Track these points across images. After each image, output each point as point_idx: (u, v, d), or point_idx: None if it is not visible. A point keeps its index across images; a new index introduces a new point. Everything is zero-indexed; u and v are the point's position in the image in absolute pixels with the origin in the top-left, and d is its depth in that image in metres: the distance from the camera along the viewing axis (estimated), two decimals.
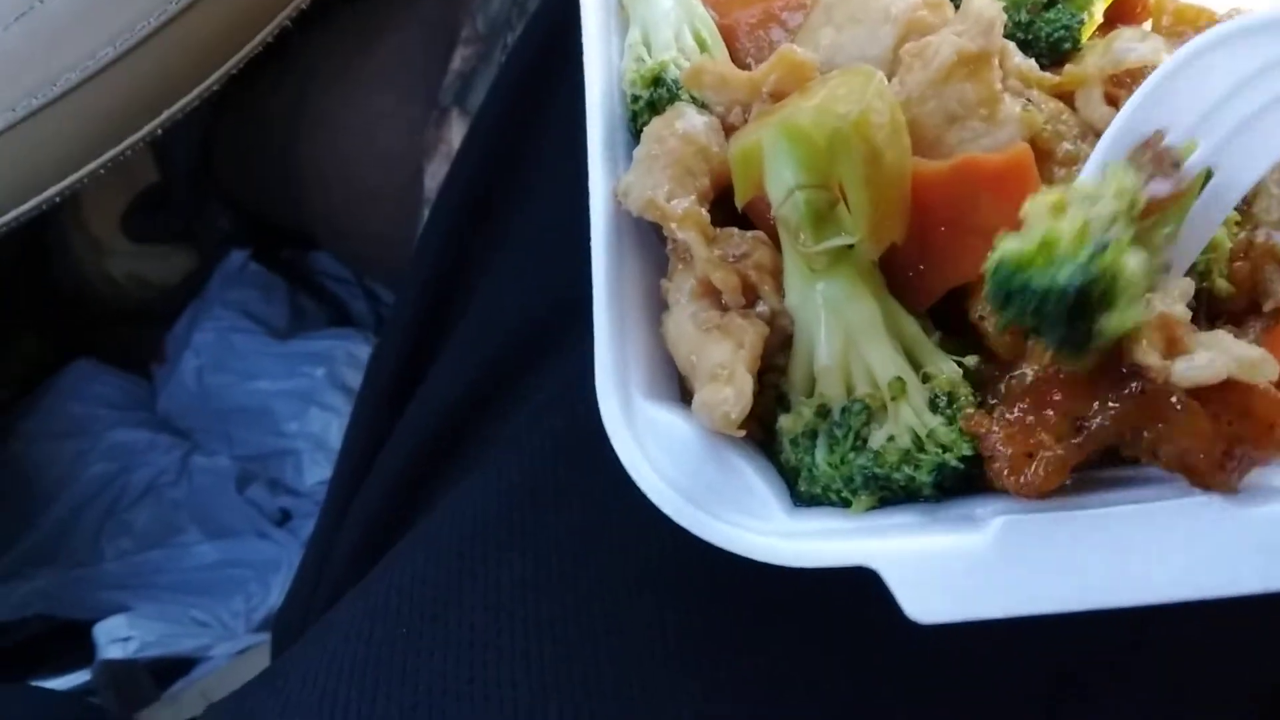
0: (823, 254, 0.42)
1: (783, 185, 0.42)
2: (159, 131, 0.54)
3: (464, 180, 0.68)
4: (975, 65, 0.44)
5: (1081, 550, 0.39)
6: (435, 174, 0.82)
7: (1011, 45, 0.47)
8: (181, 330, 1.34)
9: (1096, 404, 0.42)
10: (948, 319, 0.47)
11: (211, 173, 1.36)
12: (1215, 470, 0.41)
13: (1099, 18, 0.53)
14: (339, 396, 1.26)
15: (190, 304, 1.36)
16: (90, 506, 1.26)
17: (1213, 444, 0.41)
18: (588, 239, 0.47)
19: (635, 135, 0.49)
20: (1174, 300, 0.42)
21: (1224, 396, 0.41)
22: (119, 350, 1.39)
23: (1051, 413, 0.43)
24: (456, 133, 0.81)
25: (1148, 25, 0.53)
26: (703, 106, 0.47)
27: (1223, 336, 0.43)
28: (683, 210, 0.44)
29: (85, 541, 1.24)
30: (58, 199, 0.52)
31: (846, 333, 0.43)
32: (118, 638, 1.05)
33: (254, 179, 1.32)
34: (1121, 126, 0.42)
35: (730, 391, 0.41)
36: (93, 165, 0.51)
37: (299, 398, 1.26)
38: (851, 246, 0.42)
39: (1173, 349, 0.41)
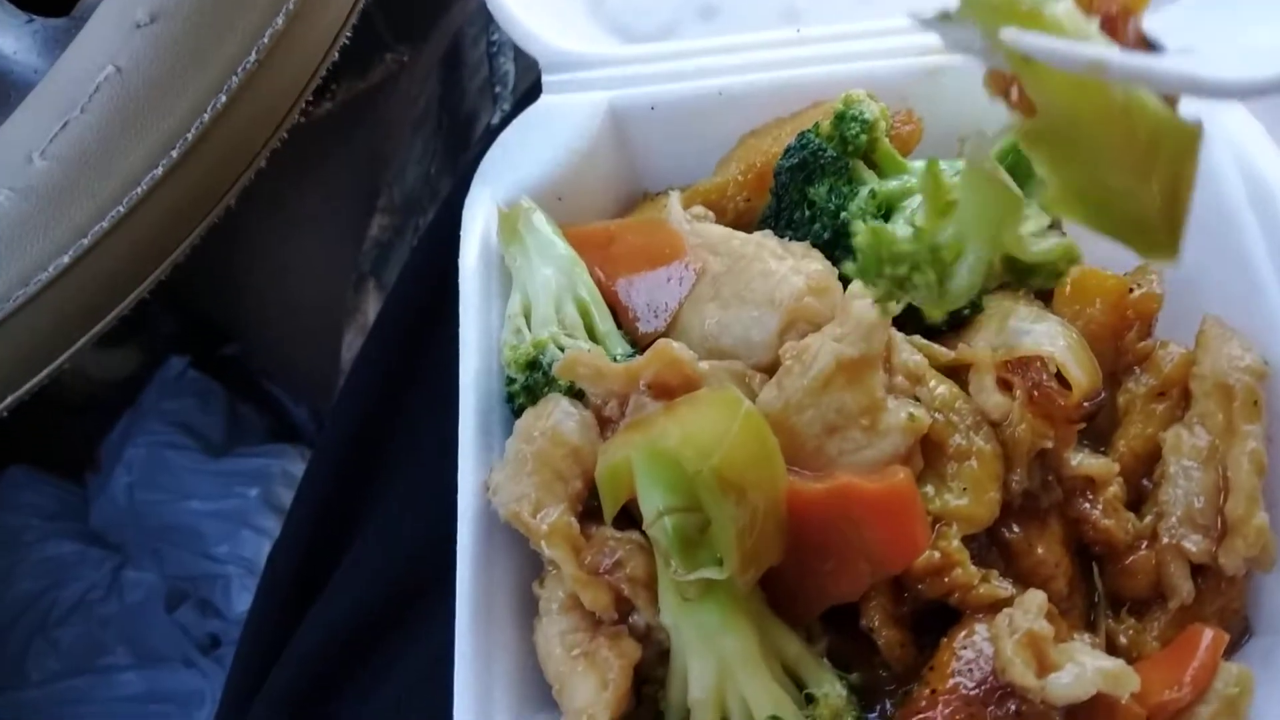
0: (695, 582, 0.40)
1: (651, 507, 0.40)
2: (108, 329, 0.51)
3: (367, 379, 0.66)
4: (855, 372, 0.42)
5: None
6: (351, 345, 0.80)
7: (899, 338, 0.45)
8: (115, 441, 1.31)
9: None
10: (840, 619, 0.45)
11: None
12: None
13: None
14: (272, 518, 1.22)
15: (126, 412, 1.33)
16: (15, 625, 1.22)
17: None
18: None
19: (514, 413, 0.46)
20: (1034, 615, 0.41)
21: (1092, 709, 0.40)
22: (57, 450, 1.36)
23: None
24: (372, 304, 0.78)
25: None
26: (579, 393, 0.45)
27: (1080, 648, 0.42)
28: (549, 526, 0.42)
29: (9, 662, 1.20)
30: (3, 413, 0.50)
31: (721, 664, 0.40)
32: None
33: (197, 290, 1.29)
34: None
35: None
36: (30, 384, 0.48)
37: (231, 519, 1.23)
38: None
39: (1042, 666, 0.40)
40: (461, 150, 0.74)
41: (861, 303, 0.42)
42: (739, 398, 0.39)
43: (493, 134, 0.56)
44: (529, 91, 0.66)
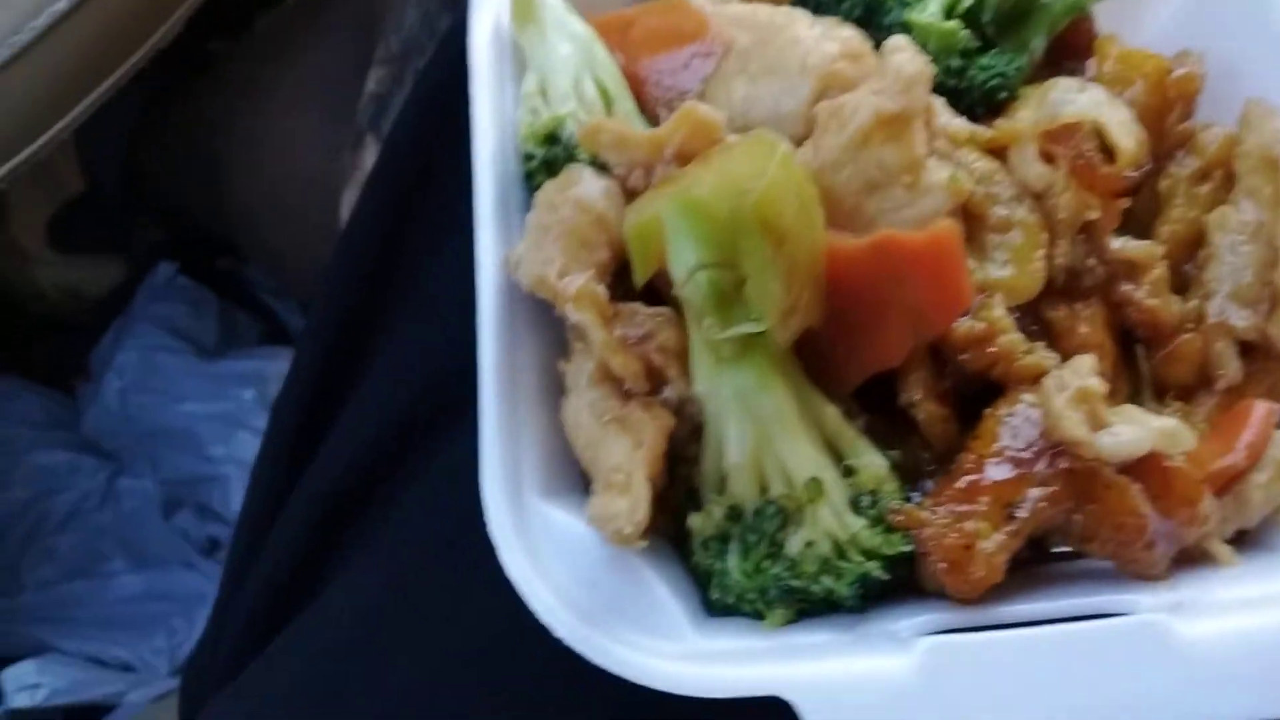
0: (730, 341, 0.38)
1: (684, 264, 0.38)
2: (73, 129, 0.49)
3: (366, 224, 0.63)
4: (895, 127, 0.40)
5: (1011, 678, 0.36)
6: (350, 202, 0.77)
7: (939, 102, 0.43)
8: (106, 348, 1.29)
9: (1028, 488, 0.39)
10: (877, 400, 0.43)
11: (140, 182, 1.31)
12: (1145, 554, 0.39)
13: (1040, 55, 0.49)
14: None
15: (115, 320, 1.30)
16: (9, 532, 1.20)
17: (1142, 523, 0.39)
18: None
19: (531, 193, 0.44)
20: (1086, 373, 0.39)
21: (1143, 475, 0.39)
22: (44, 364, 1.34)
23: (985, 500, 0.39)
24: (371, 159, 0.76)
25: (1092, 67, 0.49)
26: (602, 167, 0.43)
27: (1133, 410, 0.41)
28: (576, 289, 0.40)
29: (4, 570, 1.19)
30: None
31: (758, 427, 0.39)
32: (25, 685, 1.00)
33: (185, 192, 1.26)
34: None
35: (625, 504, 0.37)
36: (9, 165, 0.46)
37: (227, 421, 1.21)
38: (761, 333, 0.38)
39: (1094, 424, 0.39)
40: None
41: (902, 54, 0.40)
42: (775, 139, 0.37)
43: None
44: None
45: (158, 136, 1.26)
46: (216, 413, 1.22)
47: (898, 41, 0.41)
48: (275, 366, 1.25)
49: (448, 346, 0.57)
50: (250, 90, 1.04)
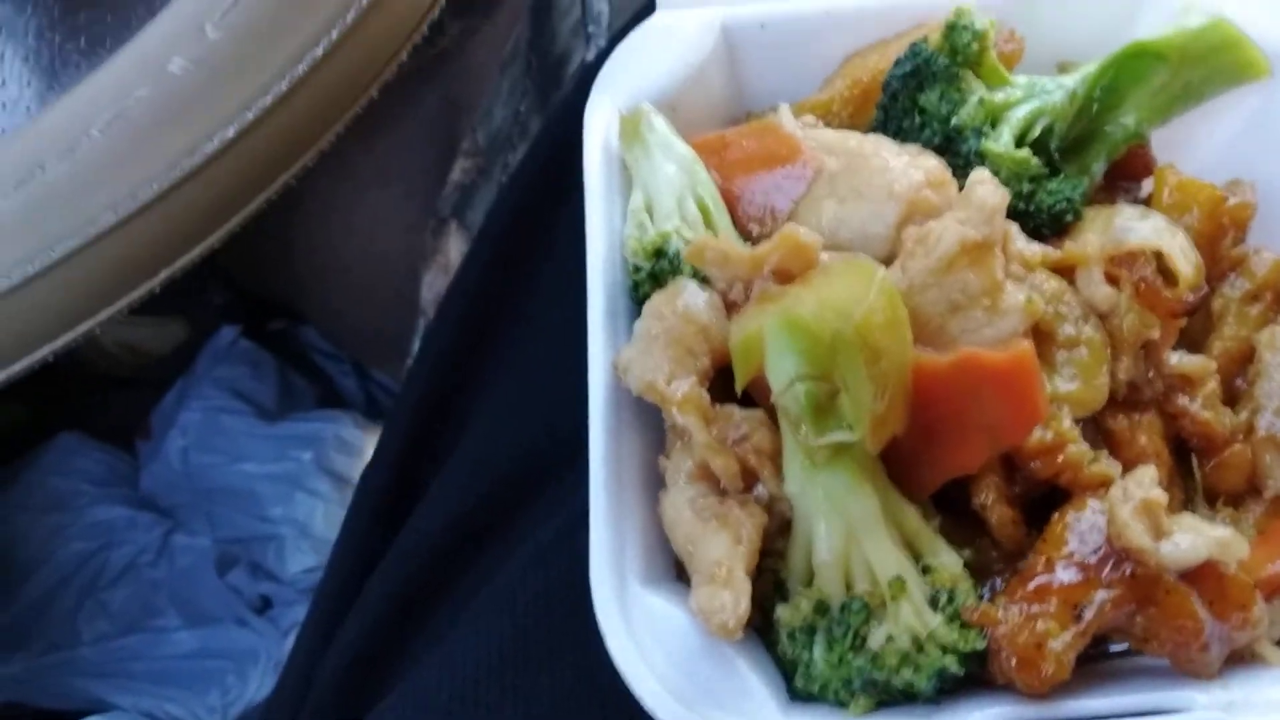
0: (824, 446, 0.42)
1: (783, 375, 0.42)
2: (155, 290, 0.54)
3: (461, 305, 0.68)
4: (978, 254, 0.44)
5: None
6: (432, 284, 0.82)
7: (1014, 228, 0.47)
8: (168, 407, 1.33)
9: (1094, 590, 0.42)
10: (949, 501, 0.46)
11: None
12: (1200, 655, 0.42)
13: (1100, 178, 0.53)
14: (325, 482, 1.24)
15: (178, 380, 1.35)
16: (68, 585, 1.23)
17: (1199, 627, 0.42)
18: (585, 375, 0.46)
19: (637, 303, 0.48)
20: (1149, 484, 0.42)
21: (1199, 580, 0.42)
22: (106, 420, 1.38)
23: (1054, 601, 0.42)
24: (454, 245, 0.80)
25: (1148, 187, 0.53)
26: (704, 280, 0.47)
27: (1192, 519, 0.44)
28: (682, 394, 0.43)
29: (62, 622, 1.21)
30: (50, 358, 0.52)
31: (847, 527, 0.42)
32: None
33: (251, 260, 1.31)
34: None
35: (728, 597, 0.40)
36: (83, 327, 0.51)
37: (285, 481, 1.25)
38: (853, 441, 0.42)
39: (1156, 532, 0.42)
40: (554, 89, 0.77)
41: (984, 187, 0.44)
42: (874, 265, 0.41)
43: (588, 69, 0.58)
44: (625, 27, 0.69)
45: None
46: (275, 474, 1.26)
47: (981, 174, 0.45)
48: (332, 429, 1.29)
49: (531, 427, 0.61)
50: (328, 165, 1.10)
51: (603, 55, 0.58)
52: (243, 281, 1.38)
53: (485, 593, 0.56)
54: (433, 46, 0.82)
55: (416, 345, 0.83)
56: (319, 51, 0.44)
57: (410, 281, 0.89)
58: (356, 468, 1.26)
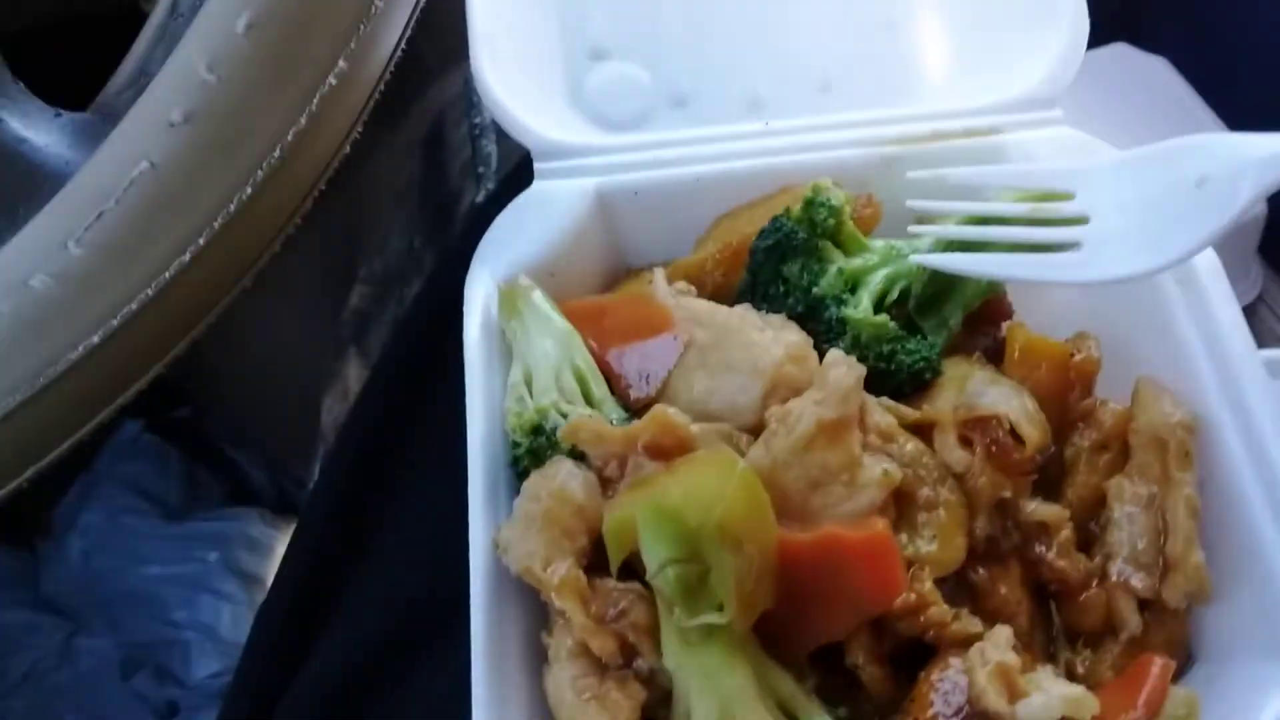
0: (696, 627, 0.44)
1: (655, 559, 0.44)
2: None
3: (358, 440, 0.69)
4: (835, 432, 0.46)
5: None
6: (331, 409, 0.82)
7: (870, 401, 0.49)
8: (69, 506, 1.30)
9: None
10: (826, 658, 0.48)
11: None
12: None
13: (959, 327, 0.56)
14: (232, 583, 1.22)
15: (80, 476, 1.32)
16: None
17: None
18: (467, 538, 0.47)
19: (518, 476, 0.50)
20: (1003, 648, 0.45)
21: None
22: (4, 518, 1.34)
23: None
24: (352, 371, 0.81)
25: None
26: (581, 456, 0.49)
27: (1045, 676, 0.46)
28: (559, 579, 0.45)
29: None
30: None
31: (722, 702, 0.44)
32: None
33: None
34: None
35: None
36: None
37: (190, 584, 1.22)
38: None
39: (1012, 693, 0.45)
40: (446, 226, 0.78)
41: (837, 370, 0.47)
42: (734, 457, 0.44)
43: (478, 211, 0.60)
44: (512, 172, 0.71)
45: None
46: (180, 576, 1.23)
47: (834, 356, 0.48)
48: (239, 527, 1.27)
49: (426, 572, 0.62)
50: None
51: (491, 198, 0.60)
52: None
53: None
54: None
55: (316, 470, 0.83)
56: (185, 258, 0.45)
57: (310, 396, 0.90)
58: (265, 566, 1.24)
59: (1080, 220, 0.50)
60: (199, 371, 1.19)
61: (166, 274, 0.45)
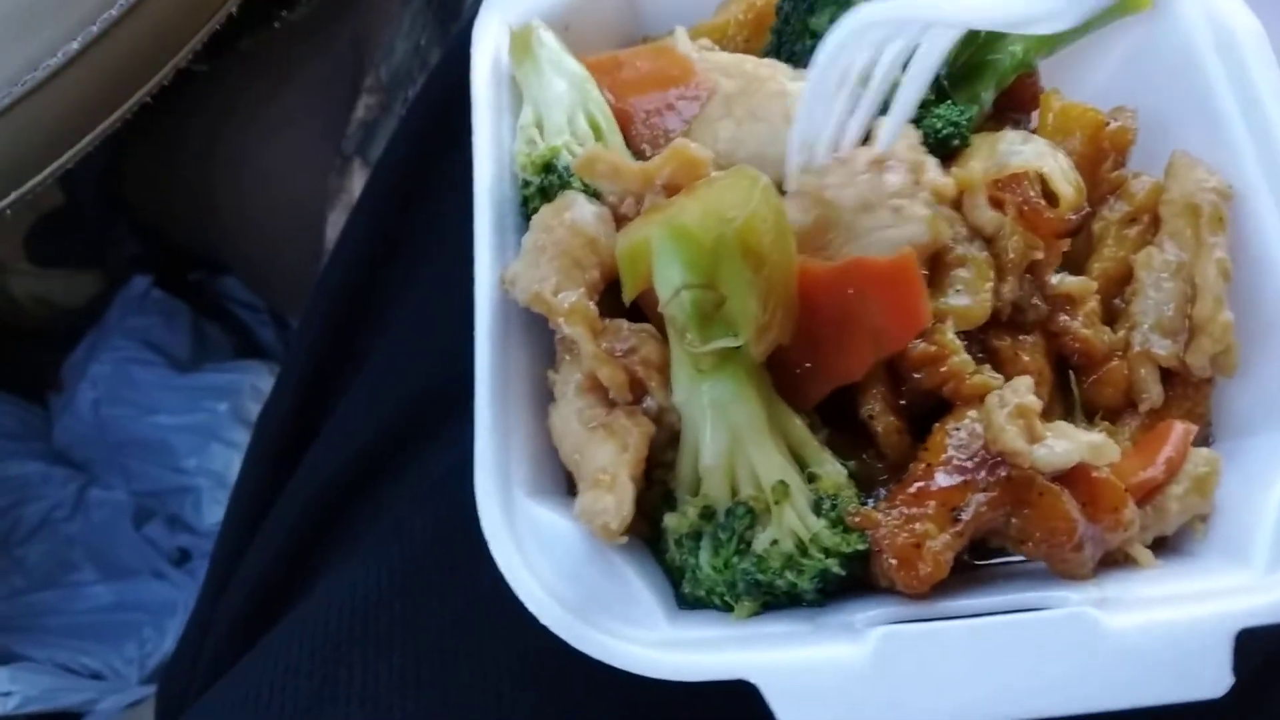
0: (709, 354, 0.42)
1: (669, 284, 0.42)
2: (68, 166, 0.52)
3: (356, 242, 0.67)
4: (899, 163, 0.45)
5: (955, 663, 0.40)
6: (336, 224, 0.81)
7: (931, 160, 0.47)
8: (79, 359, 1.30)
9: (971, 494, 0.43)
10: (838, 417, 0.47)
11: (121, 197, 1.32)
12: (1074, 555, 0.44)
13: (989, 107, 0.54)
14: (242, 432, 1.22)
15: (89, 331, 1.32)
16: None
17: (1071, 527, 0.43)
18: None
19: (525, 218, 0.48)
20: (1024, 392, 0.44)
21: (1073, 484, 0.44)
22: (17, 374, 1.34)
23: (932, 504, 0.43)
24: (358, 183, 0.79)
25: (1036, 118, 0.54)
26: (594, 195, 0.47)
27: (1066, 426, 0.45)
28: (569, 305, 0.43)
29: None
30: None
31: (731, 433, 0.43)
32: None
33: (165, 208, 1.28)
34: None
35: (611, 500, 0.40)
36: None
37: (200, 433, 1.23)
38: (738, 348, 0.42)
39: (1031, 437, 0.43)
40: (453, 20, 0.76)
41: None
42: (757, 173, 0.42)
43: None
44: None
45: (137, 152, 1.28)
46: (189, 425, 1.24)
47: None
48: (248, 380, 1.27)
49: (430, 360, 0.60)
50: (234, 110, 1.07)
51: None
52: (158, 231, 1.35)
53: (375, 533, 0.56)
54: None
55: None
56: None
57: (319, 226, 0.88)
58: None
59: None
60: (208, 225, 1.18)
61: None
